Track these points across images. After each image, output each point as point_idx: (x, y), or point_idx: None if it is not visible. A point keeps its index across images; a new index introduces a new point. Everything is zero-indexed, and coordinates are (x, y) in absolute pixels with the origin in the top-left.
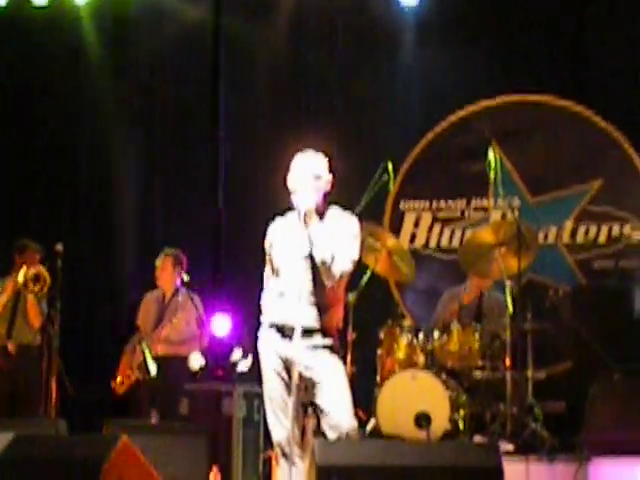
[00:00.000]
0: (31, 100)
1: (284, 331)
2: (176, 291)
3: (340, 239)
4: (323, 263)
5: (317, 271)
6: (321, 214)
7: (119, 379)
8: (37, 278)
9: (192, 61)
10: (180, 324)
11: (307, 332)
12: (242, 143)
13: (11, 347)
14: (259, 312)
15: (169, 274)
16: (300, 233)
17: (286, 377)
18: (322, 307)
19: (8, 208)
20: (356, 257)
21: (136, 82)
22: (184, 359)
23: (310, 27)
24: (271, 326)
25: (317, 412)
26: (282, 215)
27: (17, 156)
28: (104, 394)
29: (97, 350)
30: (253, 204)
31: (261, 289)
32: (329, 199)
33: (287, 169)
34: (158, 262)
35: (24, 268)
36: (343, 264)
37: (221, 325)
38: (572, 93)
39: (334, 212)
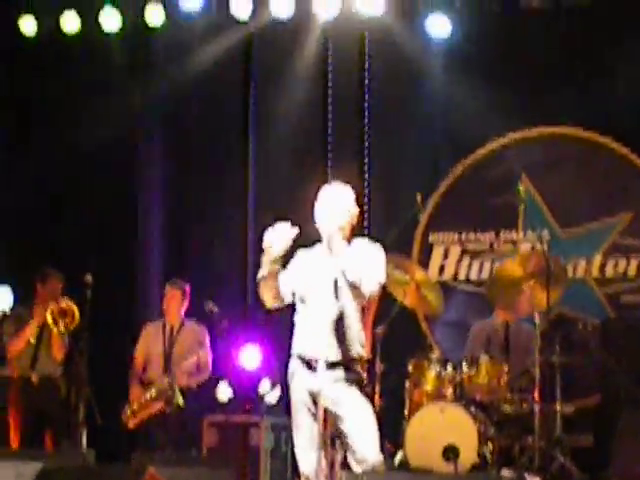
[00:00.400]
0: (61, 127)
1: (310, 363)
2: (182, 322)
3: (367, 262)
4: (352, 283)
5: (343, 299)
6: (348, 244)
7: (129, 412)
8: (64, 313)
9: (222, 93)
10: (206, 356)
11: (332, 365)
12: (271, 175)
13: (35, 378)
14: (290, 343)
15: (178, 304)
16: (326, 262)
17: (314, 410)
18: (348, 339)
19: (35, 236)
20: (383, 280)
21: (165, 112)
22: (206, 390)
23: (339, 60)
24: (298, 358)
25: (344, 445)
26: (308, 247)
27: (46, 184)
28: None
29: (125, 380)
30: None
31: (291, 320)
32: (356, 232)
33: (315, 200)
34: (167, 293)
35: (51, 306)
36: (371, 285)
37: (251, 357)
38: (600, 125)
39: (359, 241)
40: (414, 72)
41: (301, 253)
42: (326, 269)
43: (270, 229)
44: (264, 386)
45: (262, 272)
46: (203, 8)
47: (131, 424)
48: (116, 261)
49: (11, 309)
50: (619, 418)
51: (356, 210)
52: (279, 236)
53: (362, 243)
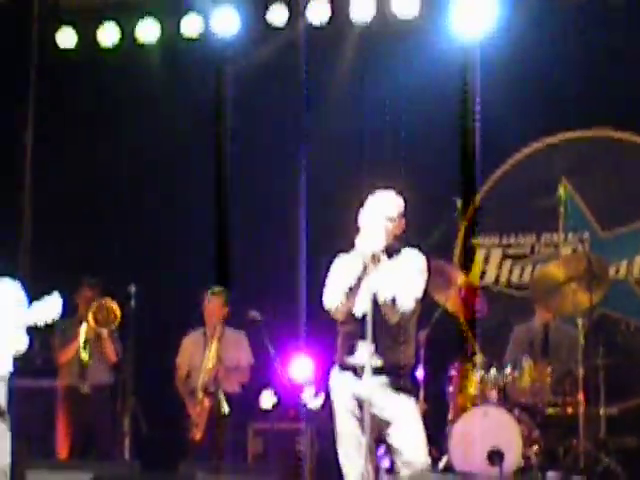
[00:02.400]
0: (98, 140)
1: (355, 370)
2: (223, 329)
3: (404, 278)
4: (385, 302)
5: (382, 310)
6: (391, 253)
7: (193, 426)
8: (105, 310)
9: (263, 103)
10: (246, 361)
11: (377, 371)
12: (320, 181)
13: (85, 389)
14: (334, 350)
15: (220, 312)
16: (369, 271)
17: (359, 416)
18: (392, 345)
19: (80, 248)
20: (419, 296)
21: (203, 123)
22: (251, 397)
23: (374, 67)
24: (342, 365)
25: (390, 451)
26: (347, 251)
27: (87, 197)
28: (178, 433)
29: (168, 389)
30: (330, 241)
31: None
32: (400, 240)
33: (358, 206)
34: (208, 300)
35: (92, 306)
36: (406, 303)
37: (302, 368)
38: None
39: (403, 251)
40: (451, 75)
41: (340, 261)
42: (367, 281)
43: None
44: (307, 393)
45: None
46: (240, 16)
47: (198, 436)
48: (160, 271)
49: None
50: None
51: (402, 220)
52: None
53: (405, 257)
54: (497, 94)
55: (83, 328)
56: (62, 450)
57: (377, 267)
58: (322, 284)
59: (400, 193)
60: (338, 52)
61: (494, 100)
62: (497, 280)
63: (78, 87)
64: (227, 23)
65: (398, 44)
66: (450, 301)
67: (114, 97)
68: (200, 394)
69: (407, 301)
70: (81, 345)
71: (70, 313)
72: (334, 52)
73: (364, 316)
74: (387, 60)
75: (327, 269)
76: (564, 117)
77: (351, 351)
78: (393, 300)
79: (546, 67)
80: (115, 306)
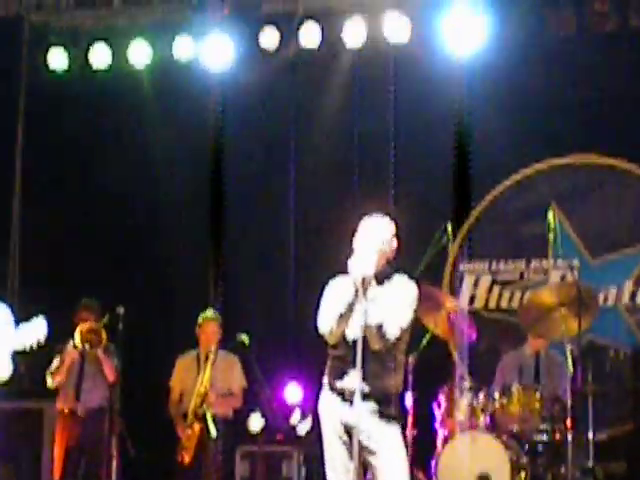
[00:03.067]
0: (90, 161)
1: (344, 395)
2: (216, 352)
3: (393, 305)
4: (370, 328)
5: (371, 335)
6: (382, 279)
7: (182, 450)
8: (90, 331)
9: (255, 126)
10: (238, 385)
11: (366, 397)
12: (307, 209)
13: (80, 410)
14: (323, 374)
15: (214, 336)
16: (356, 297)
17: (348, 441)
18: (380, 372)
19: (70, 271)
20: (405, 325)
21: (195, 145)
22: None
23: (367, 89)
24: (332, 389)
25: (374, 477)
26: (341, 275)
27: (78, 220)
28: (167, 456)
29: (159, 411)
30: (319, 267)
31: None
32: (391, 264)
33: (350, 232)
34: (203, 323)
35: (79, 327)
36: (390, 330)
37: (291, 391)
38: (633, 155)
39: (395, 278)
40: (441, 101)
41: (333, 284)
42: (358, 306)
43: None
44: (295, 416)
45: None
46: (232, 40)
47: (186, 460)
48: (150, 292)
49: (46, 339)
50: None
51: (394, 243)
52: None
53: (396, 282)
54: (487, 121)
55: (70, 349)
56: (56, 472)
57: (367, 292)
58: (313, 307)
59: (392, 218)
60: (330, 76)
61: (484, 127)
62: (486, 305)
63: (68, 108)
64: (219, 47)
65: (389, 68)
66: (439, 326)
67: (105, 118)
68: (190, 417)
69: (392, 329)
70: (69, 365)
71: (67, 335)
72: (326, 76)
73: (355, 341)
74: (378, 84)
75: (318, 293)
76: (553, 143)
77: (341, 376)
78: (379, 327)
79: (534, 94)
80: (100, 327)
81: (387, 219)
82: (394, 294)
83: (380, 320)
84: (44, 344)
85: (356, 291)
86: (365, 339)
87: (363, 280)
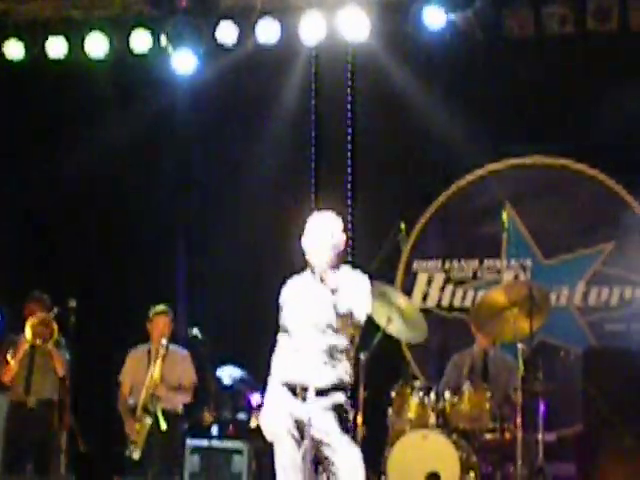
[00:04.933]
0: (45, 153)
1: (296, 390)
2: (167, 347)
3: (355, 293)
4: (343, 315)
5: (332, 328)
6: (337, 271)
7: (132, 446)
8: (41, 324)
9: (211, 121)
10: (189, 380)
11: (320, 392)
12: (259, 204)
13: (30, 403)
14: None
15: (165, 330)
16: (316, 291)
17: (297, 436)
18: (335, 366)
19: (22, 263)
20: (369, 311)
21: (151, 137)
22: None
23: (324, 88)
24: (283, 385)
25: (327, 471)
26: (298, 274)
27: (31, 212)
28: (115, 450)
29: (109, 406)
30: (270, 265)
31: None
32: (342, 258)
33: (302, 230)
34: (154, 318)
35: (30, 320)
36: (360, 316)
37: (242, 384)
38: (584, 156)
39: (346, 270)
40: (398, 99)
41: (290, 283)
42: (317, 299)
43: None
44: (247, 411)
45: None
46: (189, 35)
47: (136, 455)
48: (101, 286)
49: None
50: (601, 447)
51: (344, 239)
52: None
53: (349, 273)
54: (442, 120)
55: (22, 342)
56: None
57: (327, 282)
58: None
59: (339, 213)
60: (287, 73)
61: (440, 126)
62: (439, 304)
63: (25, 99)
64: (176, 39)
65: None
66: (391, 324)
67: (61, 109)
68: (140, 411)
69: (361, 314)
70: (20, 359)
71: (17, 328)
72: (283, 72)
73: (308, 334)
74: (335, 83)
75: (275, 291)
76: (506, 144)
77: (292, 370)
78: (350, 314)
79: (498, 93)
80: (52, 320)
81: (333, 214)
82: (353, 285)
83: (349, 306)
84: None
85: (312, 284)
86: (324, 332)
87: (321, 274)
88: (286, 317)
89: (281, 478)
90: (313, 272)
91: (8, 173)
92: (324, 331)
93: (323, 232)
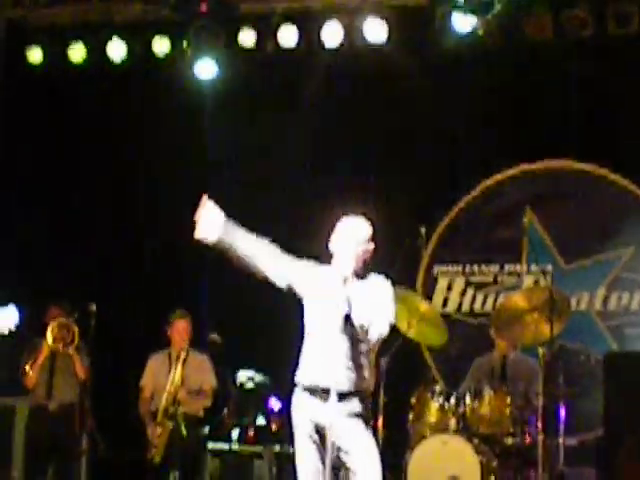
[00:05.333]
0: (64, 157)
1: (318, 394)
2: (188, 351)
3: (378, 303)
4: (361, 326)
5: (354, 333)
6: (360, 279)
7: (153, 450)
8: (62, 328)
9: (230, 124)
10: (210, 384)
11: (342, 396)
12: (282, 208)
13: (51, 407)
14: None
15: (185, 334)
16: (338, 294)
17: (319, 442)
18: (357, 371)
19: (43, 266)
20: (393, 320)
21: (172, 141)
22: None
23: (343, 94)
24: (305, 389)
25: (347, 477)
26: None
27: (51, 213)
28: (137, 454)
29: (130, 410)
30: None
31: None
32: (369, 266)
33: (326, 232)
34: (174, 322)
35: (50, 325)
36: (381, 327)
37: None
38: (606, 160)
39: (371, 277)
40: (419, 103)
41: (314, 268)
42: (339, 302)
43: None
44: (268, 415)
45: None
46: (210, 40)
47: (157, 459)
48: (121, 291)
49: (17, 328)
50: (621, 452)
51: (372, 245)
52: (206, 223)
53: (375, 282)
54: (462, 126)
55: (43, 346)
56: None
57: (348, 289)
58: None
59: (369, 219)
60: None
61: (459, 132)
62: (459, 308)
63: (46, 104)
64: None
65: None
66: (412, 328)
67: (84, 113)
68: (161, 416)
69: (383, 326)
70: (41, 363)
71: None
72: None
73: (330, 337)
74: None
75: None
76: (530, 148)
77: (314, 373)
78: (369, 324)
79: (518, 96)
80: (73, 325)
81: (365, 220)
82: (377, 292)
83: (370, 318)
84: (14, 333)
85: (336, 288)
86: (345, 336)
87: (344, 279)
88: (308, 315)
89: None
90: (336, 275)
91: (31, 177)
92: (346, 334)
93: (351, 238)
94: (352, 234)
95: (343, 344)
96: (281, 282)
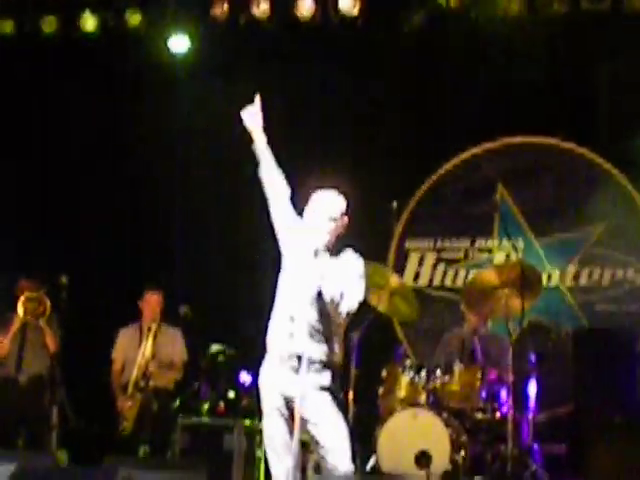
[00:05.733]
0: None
1: (288, 362)
2: (159, 325)
3: (348, 278)
4: (332, 301)
5: (323, 306)
6: (332, 253)
7: (124, 423)
8: (33, 300)
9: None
10: (181, 357)
11: (312, 364)
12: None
13: (22, 379)
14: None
15: (158, 308)
16: (310, 266)
17: (287, 414)
18: (327, 343)
19: (14, 239)
20: (361, 298)
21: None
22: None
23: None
24: (275, 358)
25: (316, 449)
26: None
27: (24, 184)
28: (107, 426)
29: (100, 382)
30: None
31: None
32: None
33: (300, 205)
34: (146, 296)
35: (22, 296)
36: (350, 303)
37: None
38: (577, 135)
39: (343, 252)
40: (393, 79)
41: (297, 231)
42: (310, 275)
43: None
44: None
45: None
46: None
47: (126, 431)
48: (93, 264)
49: None
50: (591, 427)
51: (345, 220)
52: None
53: (346, 258)
54: (438, 97)
55: (14, 319)
56: None
57: (320, 263)
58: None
59: (342, 193)
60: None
61: (435, 103)
62: (430, 283)
63: (16, 75)
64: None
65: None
66: (382, 303)
67: (55, 85)
68: (131, 389)
69: (352, 302)
70: (12, 337)
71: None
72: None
73: (301, 309)
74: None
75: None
76: (501, 123)
77: (285, 343)
78: (339, 299)
79: (492, 70)
80: (44, 297)
81: (338, 194)
82: (348, 268)
83: (340, 293)
84: None
85: (306, 261)
86: (315, 308)
87: (315, 252)
88: (280, 285)
89: (271, 456)
90: (308, 248)
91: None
92: (316, 307)
93: (324, 212)
94: (325, 208)
95: (313, 316)
96: (276, 219)
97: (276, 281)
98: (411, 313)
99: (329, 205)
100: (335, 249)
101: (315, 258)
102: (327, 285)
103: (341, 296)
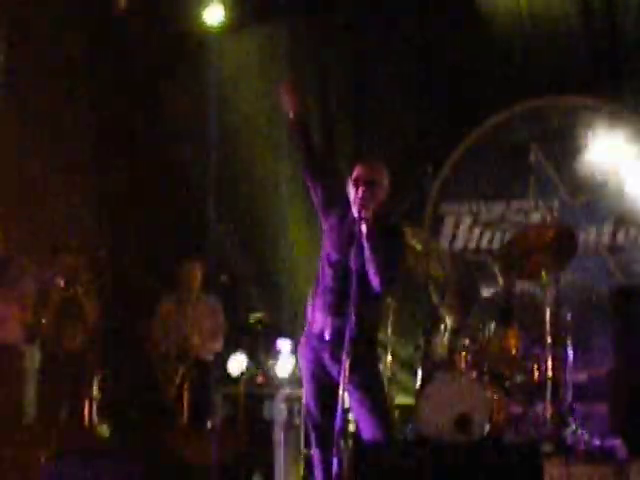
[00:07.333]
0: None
1: (322, 333)
2: (198, 296)
3: (387, 253)
4: (370, 273)
5: (364, 280)
6: (376, 222)
7: (170, 390)
8: (74, 272)
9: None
10: (220, 328)
11: (350, 340)
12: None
13: (62, 351)
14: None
15: (196, 279)
16: (354, 236)
17: (326, 382)
18: (366, 316)
19: (54, 213)
20: (390, 282)
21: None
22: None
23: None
24: (313, 332)
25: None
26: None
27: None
28: (147, 397)
29: (141, 354)
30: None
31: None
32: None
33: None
34: (185, 266)
35: (60, 270)
36: (388, 278)
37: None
38: (612, 95)
39: (387, 225)
40: (431, 41)
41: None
42: (350, 246)
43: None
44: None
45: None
46: None
47: (168, 402)
48: (132, 235)
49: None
50: (632, 386)
51: (386, 184)
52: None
53: (388, 230)
54: (472, 61)
55: (53, 291)
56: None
57: (362, 238)
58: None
59: (381, 162)
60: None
61: (469, 67)
62: (466, 246)
63: None
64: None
65: None
66: (419, 266)
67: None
68: (172, 359)
69: (389, 279)
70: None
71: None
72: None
73: (340, 283)
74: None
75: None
76: (535, 84)
77: (324, 316)
78: (377, 276)
79: (525, 33)
80: (83, 270)
81: (378, 162)
82: (387, 243)
83: (376, 267)
84: None
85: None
86: (355, 282)
87: (360, 223)
88: (322, 258)
89: (311, 403)
90: (353, 220)
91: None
92: (356, 280)
93: (367, 180)
94: (366, 177)
95: (352, 288)
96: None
97: (317, 252)
98: (447, 276)
99: (369, 172)
100: (379, 216)
101: (359, 230)
102: (367, 258)
103: (379, 273)
